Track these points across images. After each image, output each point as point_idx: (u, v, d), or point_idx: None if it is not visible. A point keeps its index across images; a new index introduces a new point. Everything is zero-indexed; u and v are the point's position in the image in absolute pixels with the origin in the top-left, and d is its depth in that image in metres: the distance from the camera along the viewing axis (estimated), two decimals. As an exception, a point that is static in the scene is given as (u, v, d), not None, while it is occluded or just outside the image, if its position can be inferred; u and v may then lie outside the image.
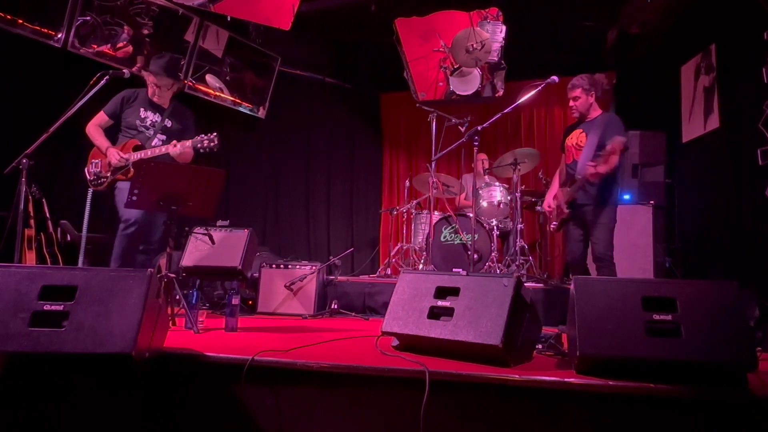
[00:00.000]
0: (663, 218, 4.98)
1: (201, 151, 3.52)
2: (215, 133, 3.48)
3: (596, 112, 3.68)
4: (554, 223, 3.80)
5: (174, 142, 3.58)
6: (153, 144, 3.75)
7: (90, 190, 3.82)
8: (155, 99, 3.83)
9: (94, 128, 3.78)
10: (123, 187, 3.68)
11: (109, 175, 3.71)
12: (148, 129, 3.79)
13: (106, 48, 5.00)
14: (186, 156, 3.70)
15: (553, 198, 3.81)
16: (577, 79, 3.67)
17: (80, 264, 4.70)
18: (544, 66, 4.97)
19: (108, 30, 5.06)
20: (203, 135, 3.49)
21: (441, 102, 5.75)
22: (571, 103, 3.70)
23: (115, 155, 3.64)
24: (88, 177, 3.82)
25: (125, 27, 5.07)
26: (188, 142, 3.52)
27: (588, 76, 3.67)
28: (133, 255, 3.73)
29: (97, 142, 3.76)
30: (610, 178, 3.53)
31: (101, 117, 3.80)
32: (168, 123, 3.84)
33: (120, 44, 5.05)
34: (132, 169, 3.64)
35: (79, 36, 4.91)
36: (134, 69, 4.96)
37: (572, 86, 3.67)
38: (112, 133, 3.87)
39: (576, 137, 3.69)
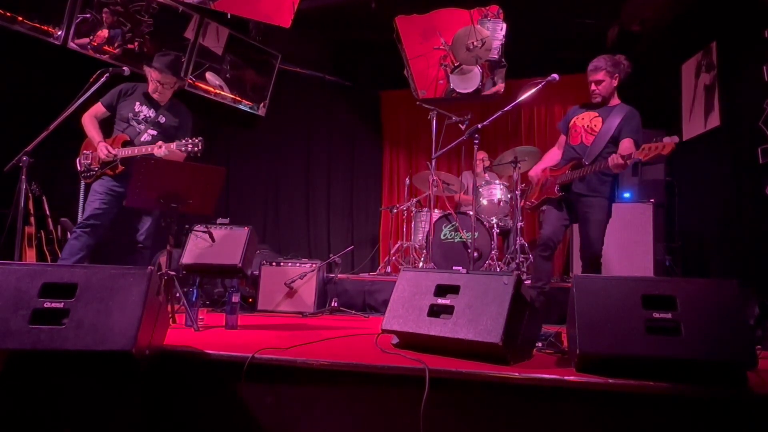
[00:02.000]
0: (663, 216, 4.99)
1: (185, 154, 3.47)
2: (200, 138, 3.44)
3: (616, 100, 3.47)
4: (533, 200, 3.63)
5: (159, 143, 3.51)
6: (143, 139, 3.68)
7: (82, 183, 3.76)
8: (155, 96, 3.76)
9: (89, 119, 3.70)
10: (95, 188, 3.66)
11: (98, 168, 3.64)
12: (139, 123, 3.72)
13: (86, 40, 4.98)
14: (174, 158, 3.60)
15: (542, 171, 3.64)
16: (599, 60, 3.39)
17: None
18: (545, 64, 4.97)
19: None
20: (188, 138, 3.45)
21: (441, 100, 5.75)
22: (593, 87, 3.42)
23: (103, 150, 3.57)
24: (78, 168, 3.74)
25: (103, 14, 5.02)
26: (173, 145, 3.47)
27: (610, 57, 3.40)
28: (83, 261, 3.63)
29: (90, 134, 3.69)
30: (614, 175, 3.40)
31: (97, 108, 3.74)
32: (162, 119, 3.77)
33: (99, 32, 5.01)
34: (120, 166, 3.59)
35: (79, 33, 4.91)
36: (111, 53, 4.92)
37: (594, 68, 3.39)
38: (108, 125, 3.81)
39: (589, 119, 3.45)
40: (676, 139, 2.93)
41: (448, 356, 2.16)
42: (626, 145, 3.25)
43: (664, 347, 1.86)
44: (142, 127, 3.72)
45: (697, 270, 4.87)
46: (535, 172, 3.71)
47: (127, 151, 3.58)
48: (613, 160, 3.11)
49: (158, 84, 3.73)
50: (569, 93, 6.63)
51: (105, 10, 5.03)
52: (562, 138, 3.72)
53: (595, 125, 3.44)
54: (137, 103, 3.74)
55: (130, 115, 3.72)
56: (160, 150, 3.47)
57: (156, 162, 3.12)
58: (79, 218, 3.75)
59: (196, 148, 3.41)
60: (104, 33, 5.04)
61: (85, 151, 3.74)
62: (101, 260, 4.12)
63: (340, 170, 7.34)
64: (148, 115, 3.75)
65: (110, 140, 3.69)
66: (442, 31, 5.63)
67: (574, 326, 2.01)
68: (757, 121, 3.88)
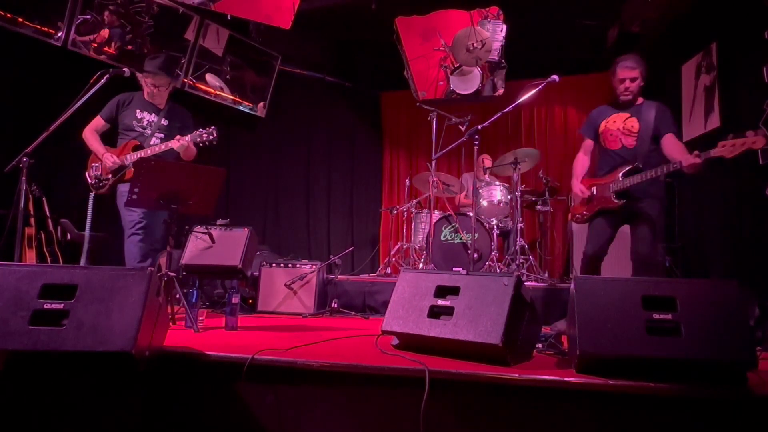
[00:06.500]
0: (663, 217, 4.97)
1: (200, 144, 3.56)
2: (213, 127, 3.53)
3: (639, 98, 3.42)
4: (583, 212, 3.47)
5: (178, 137, 3.59)
6: (151, 143, 3.74)
7: (92, 194, 3.79)
8: (152, 100, 3.82)
9: (90, 133, 3.77)
10: (124, 190, 3.67)
11: (110, 177, 3.71)
12: (145, 129, 3.78)
13: (87, 38, 4.99)
14: (190, 152, 3.73)
15: (588, 186, 3.46)
16: (637, 60, 3.34)
17: (83, 263, 4.70)
18: (545, 65, 4.97)
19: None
20: (202, 129, 3.53)
21: (441, 101, 5.74)
22: (628, 84, 3.34)
23: (109, 159, 3.64)
24: (89, 181, 3.79)
25: (105, 14, 5.04)
26: (187, 137, 3.55)
27: (642, 59, 3.37)
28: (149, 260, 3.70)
29: (92, 147, 3.75)
30: (667, 176, 3.30)
31: (97, 121, 3.80)
32: (165, 122, 3.84)
33: (101, 32, 5.02)
34: (131, 170, 3.64)
35: (80, 34, 4.92)
36: (108, 55, 4.96)
37: (632, 66, 3.33)
38: (110, 137, 3.86)
39: (621, 121, 3.37)
40: (765, 131, 2.81)
41: (448, 357, 2.16)
42: (672, 140, 3.23)
43: (665, 348, 1.86)
44: (149, 131, 3.79)
45: (697, 270, 4.86)
46: (579, 187, 3.50)
47: (140, 154, 3.64)
48: (688, 159, 3.00)
49: (153, 87, 3.79)
50: (569, 94, 6.64)
51: (106, 11, 5.04)
52: (588, 143, 3.59)
53: (631, 126, 3.35)
54: (138, 110, 3.80)
55: (134, 122, 3.78)
56: (179, 143, 3.55)
57: (156, 163, 3.13)
58: (87, 229, 3.75)
59: (210, 137, 3.52)
60: (105, 32, 5.04)
61: (93, 164, 3.79)
62: (108, 261, 4.13)
63: (340, 171, 7.34)
64: (151, 120, 3.82)
65: (119, 149, 3.75)
66: (442, 32, 5.63)
67: (574, 327, 2.01)
68: (758, 122, 3.88)
